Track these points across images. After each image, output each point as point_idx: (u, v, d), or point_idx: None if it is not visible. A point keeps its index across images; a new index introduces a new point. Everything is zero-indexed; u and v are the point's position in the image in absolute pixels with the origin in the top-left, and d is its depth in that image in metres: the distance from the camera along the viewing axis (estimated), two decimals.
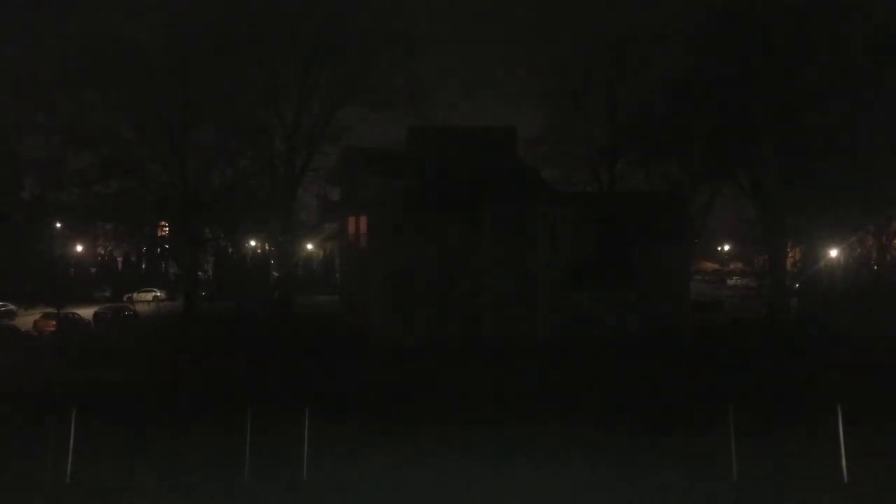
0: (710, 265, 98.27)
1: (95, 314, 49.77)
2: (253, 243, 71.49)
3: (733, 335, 39.46)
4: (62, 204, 55.18)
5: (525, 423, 19.77)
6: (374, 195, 36.79)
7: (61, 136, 47.27)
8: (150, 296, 68.18)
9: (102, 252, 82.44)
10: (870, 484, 15.16)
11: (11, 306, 53.06)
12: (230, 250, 70.11)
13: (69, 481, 15.64)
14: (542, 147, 53.26)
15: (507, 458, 16.79)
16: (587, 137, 53.07)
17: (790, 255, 47.09)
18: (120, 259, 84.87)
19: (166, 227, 63.43)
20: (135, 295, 68.02)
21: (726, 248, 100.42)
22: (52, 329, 43.29)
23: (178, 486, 15.52)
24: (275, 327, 43.25)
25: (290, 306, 51.43)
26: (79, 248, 71.40)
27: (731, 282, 79.48)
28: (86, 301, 56.79)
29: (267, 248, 71.33)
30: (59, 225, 66.19)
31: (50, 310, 45.13)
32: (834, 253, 46.82)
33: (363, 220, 38.16)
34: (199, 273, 58.91)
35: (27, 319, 47.32)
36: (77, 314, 47.01)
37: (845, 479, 15.08)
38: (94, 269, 79.51)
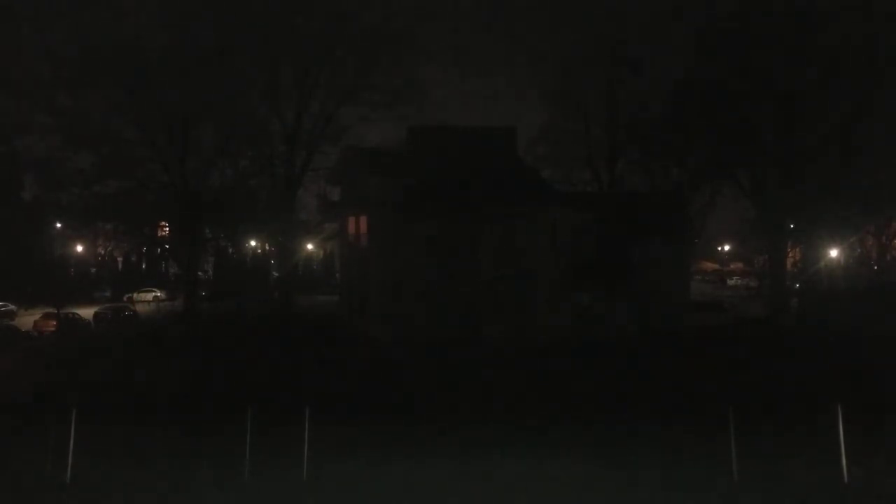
0: (710, 265, 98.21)
1: (95, 314, 49.76)
2: (253, 243, 71.51)
3: (733, 335, 39.43)
4: (62, 204, 55.16)
5: (525, 424, 19.76)
6: (374, 195, 36.79)
7: (61, 136, 47.25)
8: (150, 296, 68.16)
9: (102, 252, 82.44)
10: (870, 484, 15.16)
11: (11, 306, 53.05)
12: (230, 250, 70.11)
13: (69, 481, 15.64)
14: (542, 147, 53.31)
15: (507, 458, 16.79)
16: (587, 137, 53.08)
17: (790, 255, 47.10)
18: (120, 259, 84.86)
19: (166, 227, 63.43)
20: (135, 295, 67.99)
21: (726, 248, 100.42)
22: (52, 329, 43.29)
23: (178, 485, 15.52)
24: (275, 327, 43.24)
25: (290, 306, 51.41)
26: (79, 248, 71.43)
27: (731, 282, 79.46)
28: (86, 301, 56.77)
29: (267, 248, 71.37)
30: (59, 225, 66.20)
31: (50, 310, 45.12)
32: (834, 253, 46.86)
33: (363, 220, 38.15)
34: (199, 273, 58.87)
35: (27, 319, 47.32)
36: (77, 314, 47.00)
37: (845, 479, 15.08)
38: (94, 269, 79.48)
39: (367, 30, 49.90)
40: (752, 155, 43.33)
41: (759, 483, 15.29)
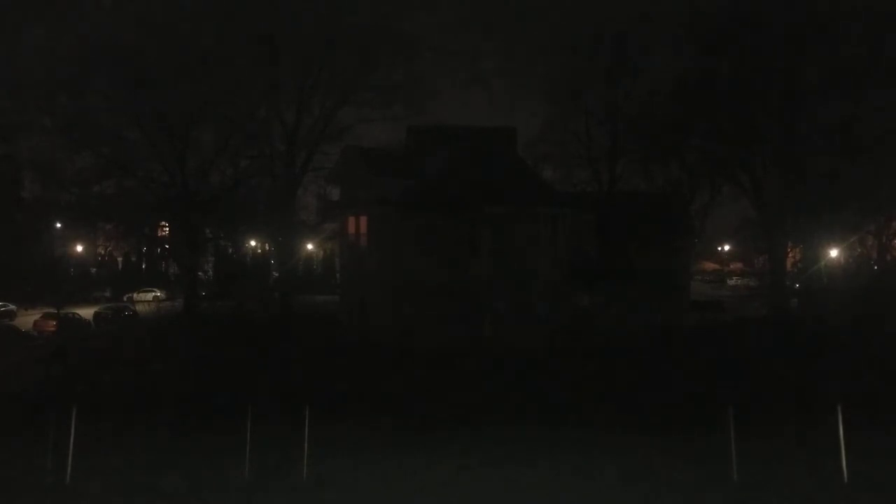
0: (710, 265, 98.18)
1: (96, 314, 49.75)
2: (253, 243, 71.42)
3: (733, 335, 39.41)
4: (62, 204, 55.13)
5: (525, 424, 19.78)
6: (374, 195, 36.78)
7: (61, 136, 47.24)
8: (150, 296, 68.13)
9: (102, 252, 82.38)
10: (870, 484, 15.16)
11: (11, 306, 53.03)
12: (230, 250, 70.01)
13: (69, 481, 15.64)
14: (542, 147, 53.20)
15: (507, 458, 16.79)
16: (587, 137, 53.05)
17: (790, 255, 47.05)
18: (120, 259, 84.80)
19: (166, 227, 63.36)
20: (135, 295, 67.98)
21: (726, 248, 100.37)
22: (52, 329, 43.26)
23: (178, 485, 15.52)
24: (275, 327, 43.22)
25: (290, 306, 51.37)
26: (79, 248, 71.38)
27: (731, 282, 79.42)
28: (86, 301, 56.77)
29: (267, 248, 71.26)
30: (59, 225, 66.15)
31: (50, 310, 45.10)
32: (834, 253, 46.81)
33: (363, 220, 38.15)
34: (199, 273, 58.80)
35: (27, 319, 47.31)
36: (77, 314, 46.99)
37: (845, 479, 15.08)
38: (94, 269, 79.45)
39: (367, 30, 49.86)
40: (752, 155, 43.28)
41: (759, 483, 15.29)
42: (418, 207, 36.43)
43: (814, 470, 15.74)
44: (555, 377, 27.45)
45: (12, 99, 48.92)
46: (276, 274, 64.17)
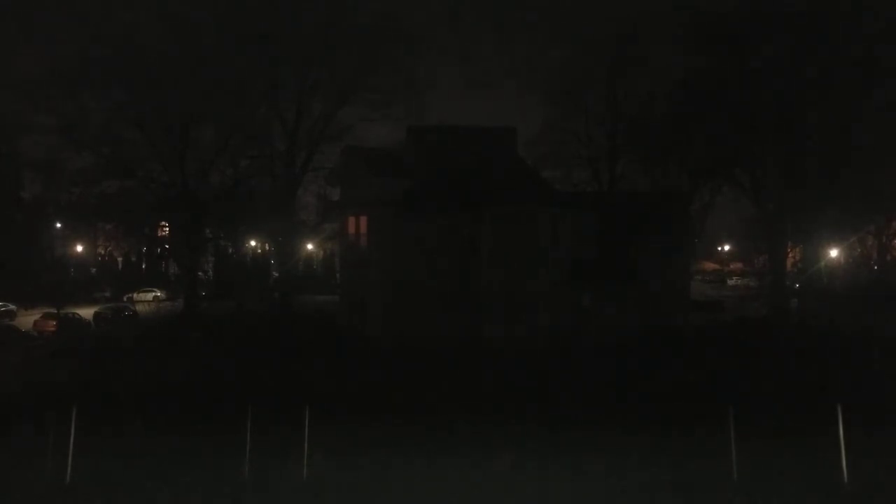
0: (710, 265, 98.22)
1: (96, 314, 49.75)
2: (253, 243, 71.45)
3: (733, 335, 39.41)
4: (62, 204, 55.17)
5: (525, 424, 19.77)
6: (374, 195, 36.78)
7: (61, 136, 47.27)
8: (150, 296, 68.16)
9: (102, 252, 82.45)
10: (870, 484, 15.16)
11: (11, 306, 53.05)
12: (230, 250, 70.05)
13: (69, 481, 15.64)
14: (542, 147, 53.25)
15: (506, 459, 16.79)
16: (587, 137, 53.10)
17: (790, 255, 47.06)
18: (120, 259, 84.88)
19: (166, 227, 63.41)
20: (135, 295, 67.99)
21: (726, 248, 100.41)
22: (52, 329, 43.27)
23: (178, 485, 15.52)
24: (275, 327, 43.22)
25: (290, 306, 51.39)
26: (79, 248, 71.43)
27: (731, 282, 79.44)
28: (86, 301, 56.79)
29: (267, 248, 71.28)
30: (59, 225, 66.19)
31: (50, 310, 45.11)
32: (834, 253, 46.82)
33: (363, 220, 38.13)
34: (199, 273, 58.86)
35: (27, 319, 47.31)
36: (77, 314, 46.99)
37: (845, 479, 15.08)
38: (94, 269, 79.50)
39: (366, 30, 49.88)
40: (752, 155, 43.28)
41: (759, 483, 15.29)
42: (418, 207, 36.42)
43: (814, 469, 15.74)
44: (555, 377, 27.46)
45: (12, 99, 49.00)
46: (276, 274, 64.23)
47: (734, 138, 42.56)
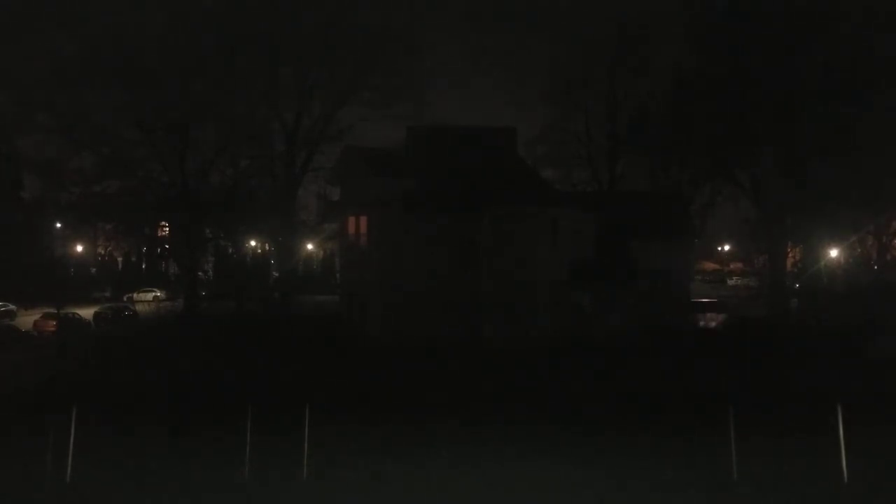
0: (710, 265, 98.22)
1: (96, 314, 49.74)
2: (253, 243, 71.45)
3: (733, 335, 39.41)
4: (62, 204, 55.18)
5: (525, 424, 19.77)
6: (374, 195, 36.77)
7: (61, 136, 47.27)
8: (150, 296, 68.13)
9: (102, 252, 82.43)
10: (870, 484, 15.16)
11: (11, 306, 53.04)
12: (230, 250, 70.07)
13: (69, 481, 15.64)
14: (542, 147, 53.34)
15: (507, 458, 16.79)
16: (587, 137, 53.14)
17: (790, 255, 47.07)
18: (120, 259, 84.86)
19: (166, 227, 63.41)
20: (135, 295, 67.98)
21: (726, 248, 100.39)
22: (52, 329, 43.25)
23: (178, 485, 15.52)
24: (275, 327, 43.22)
25: (290, 306, 51.40)
26: (79, 248, 71.44)
27: (731, 282, 79.43)
28: (86, 301, 56.77)
29: (267, 248, 71.29)
30: (59, 225, 66.18)
31: (50, 310, 45.10)
32: (834, 253, 46.82)
33: (363, 220, 38.13)
34: (199, 273, 58.85)
35: (27, 319, 47.30)
36: (77, 314, 46.95)
37: (845, 479, 15.08)
38: (94, 269, 79.50)
39: (366, 30, 49.93)
40: (753, 154, 43.28)
41: (759, 483, 15.29)
42: (418, 207, 36.39)
43: (814, 470, 15.73)
44: (554, 377, 27.45)
45: (12, 99, 49.02)
46: (276, 274, 64.25)
47: (734, 138, 42.55)
